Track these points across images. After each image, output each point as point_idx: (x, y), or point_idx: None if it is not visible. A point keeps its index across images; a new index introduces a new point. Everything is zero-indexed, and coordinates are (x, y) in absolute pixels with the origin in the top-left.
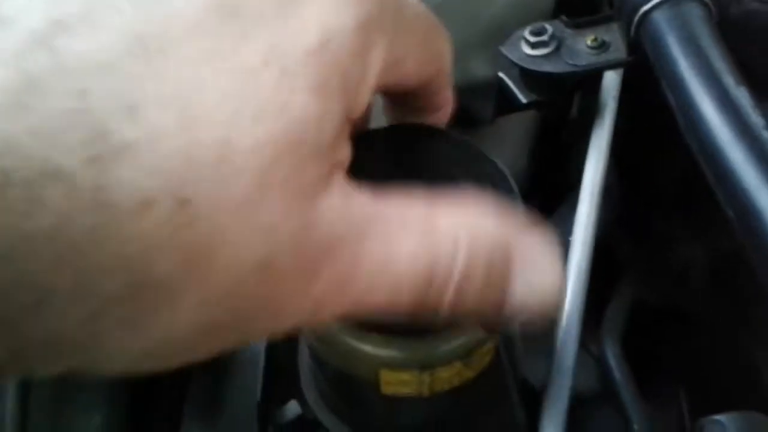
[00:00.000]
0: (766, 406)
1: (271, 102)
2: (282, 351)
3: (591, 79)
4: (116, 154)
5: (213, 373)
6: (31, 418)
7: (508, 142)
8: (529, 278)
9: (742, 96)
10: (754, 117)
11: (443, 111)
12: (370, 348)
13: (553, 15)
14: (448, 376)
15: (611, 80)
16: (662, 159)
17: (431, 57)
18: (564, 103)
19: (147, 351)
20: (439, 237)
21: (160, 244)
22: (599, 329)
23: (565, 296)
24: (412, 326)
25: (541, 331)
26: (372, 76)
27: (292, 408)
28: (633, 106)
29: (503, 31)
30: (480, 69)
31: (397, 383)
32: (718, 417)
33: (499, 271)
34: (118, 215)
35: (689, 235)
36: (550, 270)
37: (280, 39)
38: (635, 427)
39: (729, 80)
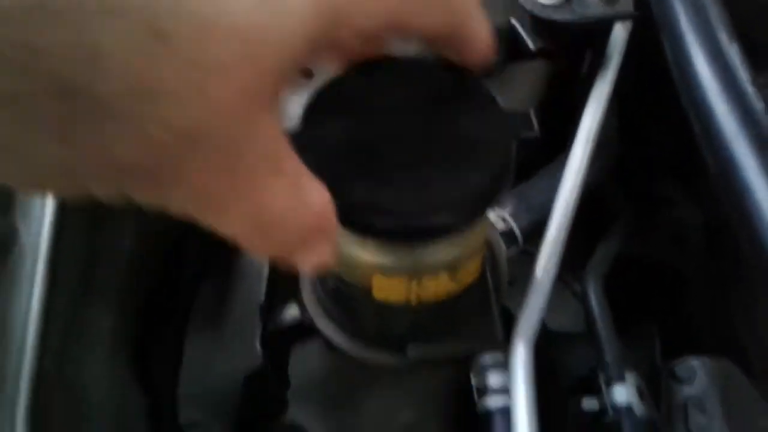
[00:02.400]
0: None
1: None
2: None
3: (600, 33)
4: None
5: (219, 280)
6: (50, 321)
7: (517, 90)
8: None
9: (733, 52)
10: (742, 72)
11: (475, 60)
12: (366, 254)
13: None
14: (435, 287)
15: (618, 35)
16: (663, 123)
17: (443, 13)
18: (574, 56)
19: (71, 164)
20: None
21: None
22: (584, 270)
23: (549, 228)
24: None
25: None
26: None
27: (292, 312)
28: (637, 71)
29: None
30: (493, 15)
31: (388, 289)
32: (689, 359)
33: None
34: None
35: (686, 198)
36: None
37: None
38: (607, 358)
39: (722, 36)
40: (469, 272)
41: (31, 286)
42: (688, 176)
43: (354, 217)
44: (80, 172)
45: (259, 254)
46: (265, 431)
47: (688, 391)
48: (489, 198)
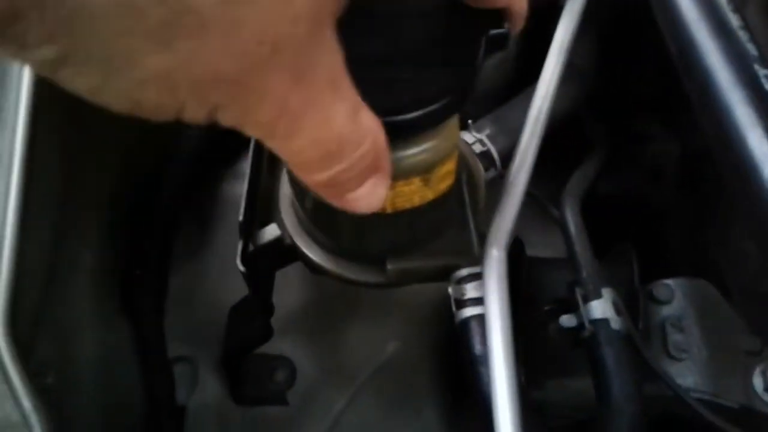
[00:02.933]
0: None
1: None
2: (264, 184)
3: None
4: None
5: (201, 211)
6: (28, 254)
7: None
8: None
9: None
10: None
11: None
12: None
13: None
14: (409, 193)
15: None
16: (643, 60)
17: None
18: None
19: (171, 74)
20: None
21: None
22: (561, 193)
23: (520, 139)
24: None
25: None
26: None
27: (271, 230)
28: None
29: None
30: None
31: None
32: (666, 281)
33: None
34: None
35: (665, 133)
36: None
37: None
38: (584, 274)
39: None
40: (442, 179)
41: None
42: (667, 110)
43: None
44: (178, 83)
45: (317, 181)
46: (251, 362)
47: (666, 311)
48: (457, 96)
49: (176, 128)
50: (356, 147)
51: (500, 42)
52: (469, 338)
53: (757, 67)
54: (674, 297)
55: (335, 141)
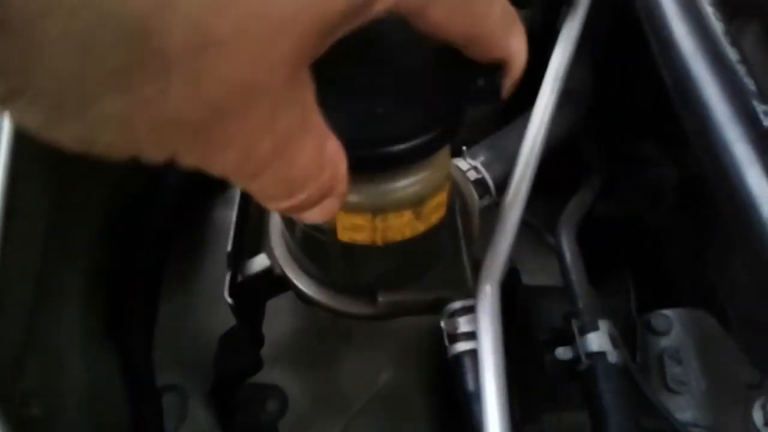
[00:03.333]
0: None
1: None
2: (254, 213)
3: None
4: None
5: (191, 238)
6: (12, 280)
7: None
8: None
9: (707, 6)
10: (717, 26)
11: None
12: None
13: None
14: (399, 226)
15: None
16: (642, 84)
17: (464, 14)
18: (548, 10)
19: (128, 118)
20: None
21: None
22: (558, 220)
23: (515, 169)
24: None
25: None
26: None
27: (261, 260)
28: (615, 31)
29: None
30: None
31: (353, 228)
32: (665, 311)
33: None
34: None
35: (664, 158)
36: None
37: None
38: (580, 305)
39: None
40: (434, 210)
41: None
42: (666, 136)
43: None
44: (135, 126)
45: (277, 208)
46: (241, 391)
47: (664, 342)
48: (448, 127)
49: None
50: (319, 177)
51: (489, 94)
52: (461, 374)
53: (755, 103)
54: (672, 328)
55: (300, 176)
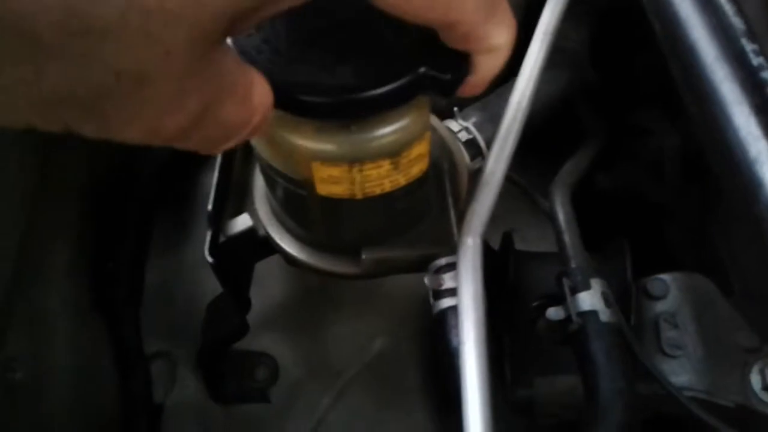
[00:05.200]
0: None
1: None
2: (238, 174)
3: None
4: None
5: (177, 205)
6: None
7: None
8: None
9: None
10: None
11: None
12: (304, 141)
13: None
14: (378, 177)
15: None
16: (644, 53)
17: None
18: None
19: (6, 95)
20: None
21: None
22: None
23: (501, 124)
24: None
25: None
26: None
27: (243, 220)
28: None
29: None
30: None
31: (330, 181)
32: (661, 276)
33: None
34: None
35: (665, 128)
36: None
37: None
38: (572, 265)
39: None
40: (414, 162)
41: None
42: (668, 103)
43: (291, 98)
44: (16, 102)
45: (217, 151)
46: (231, 358)
47: (660, 307)
48: (421, 76)
49: None
50: (249, 124)
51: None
52: (445, 331)
53: (744, 41)
54: (669, 292)
55: (222, 134)
